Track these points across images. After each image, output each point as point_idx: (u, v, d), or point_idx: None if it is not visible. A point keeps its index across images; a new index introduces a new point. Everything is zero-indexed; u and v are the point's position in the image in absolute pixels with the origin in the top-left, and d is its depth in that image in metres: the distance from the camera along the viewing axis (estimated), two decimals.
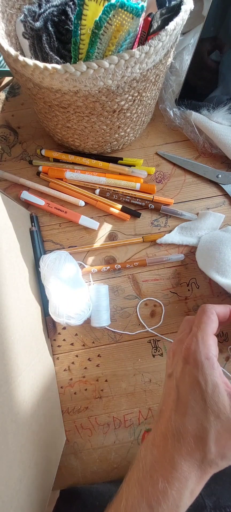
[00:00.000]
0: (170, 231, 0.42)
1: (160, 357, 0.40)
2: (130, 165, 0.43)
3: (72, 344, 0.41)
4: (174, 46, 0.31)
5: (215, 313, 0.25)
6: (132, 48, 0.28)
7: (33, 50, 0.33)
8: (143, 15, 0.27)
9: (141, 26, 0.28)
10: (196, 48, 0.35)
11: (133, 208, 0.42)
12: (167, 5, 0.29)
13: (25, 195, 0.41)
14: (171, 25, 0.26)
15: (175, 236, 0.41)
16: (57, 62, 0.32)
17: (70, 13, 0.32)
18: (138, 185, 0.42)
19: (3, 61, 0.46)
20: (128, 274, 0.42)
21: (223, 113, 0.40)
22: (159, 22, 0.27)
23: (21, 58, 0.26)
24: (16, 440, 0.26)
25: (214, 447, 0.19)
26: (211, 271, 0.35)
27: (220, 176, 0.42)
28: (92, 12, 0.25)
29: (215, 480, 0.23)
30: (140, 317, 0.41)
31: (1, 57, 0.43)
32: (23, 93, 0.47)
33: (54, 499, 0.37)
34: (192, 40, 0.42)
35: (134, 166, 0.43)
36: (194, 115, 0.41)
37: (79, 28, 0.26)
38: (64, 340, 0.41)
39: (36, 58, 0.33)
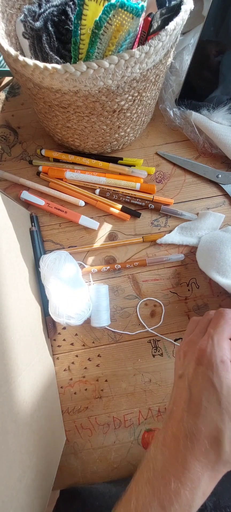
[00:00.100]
0: (170, 231, 0.42)
1: (160, 357, 0.40)
2: (130, 165, 0.43)
3: (72, 344, 0.41)
4: (174, 46, 0.31)
5: None
6: (132, 48, 0.28)
7: (33, 50, 0.33)
8: (143, 15, 0.27)
9: (141, 26, 0.28)
10: (196, 48, 0.35)
11: (133, 208, 0.42)
12: (167, 5, 0.29)
13: (25, 195, 0.41)
14: (171, 25, 0.26)
15: (175, 236, 0.41)
16: (57, 62, 0.32)
17: (70, 13, 0.32)
18: (138, 185, 0.42)
19: (3, 61, 0.46)
20: (128, 274, 0.42)
21: (223, 113, 0.40)
22: (159, 22, 0.27)
23: (21, 58, 0.26)
24: (16, 440, 0.26)
25: (229, 447, 0.20)
26: (211, 272, 0.34)
27: (220, 176, 0.42)
28: (92, 12, 0.25)
29: None
30: (140, 317, 0.41)
31: (1, 57, 0.43)
32: (23, 93, 0.47)
33: (54, 499, 0.37)
34: (192, 40, 0.42)
35: (134, 166, 0.43)
36: (194, 115, 0.41)
37: (79, 28, 0.26)
38: (64, 340, 0.41)
39: (36, 58, 0.33)
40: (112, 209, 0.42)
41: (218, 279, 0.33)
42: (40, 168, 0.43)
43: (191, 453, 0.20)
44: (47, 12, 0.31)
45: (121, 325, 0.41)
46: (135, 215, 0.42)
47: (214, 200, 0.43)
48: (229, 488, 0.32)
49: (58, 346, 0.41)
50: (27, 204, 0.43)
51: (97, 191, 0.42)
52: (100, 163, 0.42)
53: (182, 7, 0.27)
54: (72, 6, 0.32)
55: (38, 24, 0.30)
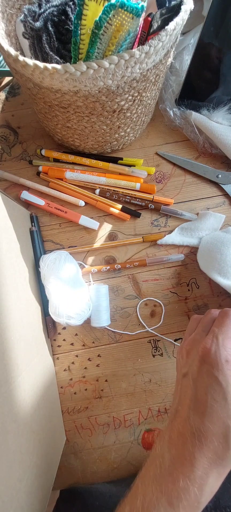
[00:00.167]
0: (170, 231, 0.42)
1: (160, 357, 0.40)
2: (130, 165, 0.43)
3: (72, 344, 0.41)
4: (174, 46, 0.31)
5: None
6: (132, 48, 0.28)
7: (33, 50, 0.33)
8: (143, 15, 0.27)
9: (141, 26, 0.28)
10: (196, 48, 0.35)
11: (133, 208, 0.42)
12: (167, 5, 0.29)
13: (25, 195, 0.41)
14: (171, 25, 0.26)
15: (175, 237, 0.41)
16: (57, 62, 0.32)
17: (70, 13, 0.32)
18: (138, 185, 0.42)
19: (3, 61, 0.46)
20: (128, 274, 0.42)
21: (223, 113, 0.40)
22: (159, 22, 0.27)
23: (21, 58, 0.26)
24: (16, 440, 0.26)
25: None
26: (212, 273, 0.34)
27: (220, 176, 0.42)
28: (92, 12, 0.25)
29: None
30: (140, 317, 0.41)
31: (1, 57, 0.43)
32: (23, 93, 0.47)
33: (54, 499, 0.37)
34: (192, 40, 0.42)
35: (134, 166, 0.43)
36: (194, 115, 0.41)
37: (79, 28, 0.26)
38: (64, 340, 0.41)
39: (36, 58, 0.33)
40: (112, 209, 0.42)
41: (219, 280, 0.33)
42: (40, 168, 0.43)
43: (199, 450, 0.20)
44: (47, 12, 0.31)
45: (121, 325, 0.41)
46: (135, 215, 0.42)
47: (214, 200, 0.43)
48: (229, 488, 0.32)
49: (58, 346, 0.41)
50: (27, 204, 0.43)
51: (97, 191, 0.42)
52: (100, 163, 0.42)
53: (182, 7, 0.27)
54: (72, 6, 0.32)
55: (38, 24, 0.30)
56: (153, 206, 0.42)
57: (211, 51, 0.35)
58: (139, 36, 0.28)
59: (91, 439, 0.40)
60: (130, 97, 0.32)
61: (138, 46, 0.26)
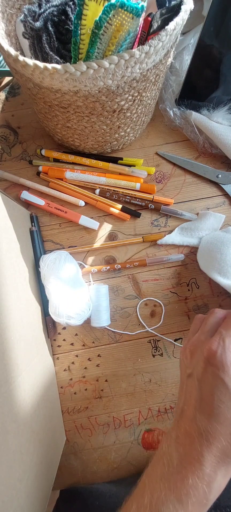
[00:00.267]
0: (170, 231, 0.42)
1: (160, 357, 0.40)
2: (130, 165, 0.43)
3: (72, 344, 0.41)
4: (174, 46, 0.31)
5: None
6: (132, 48, 0.28)
7: (33, 50, 0.33)
8: (143, 15, 0.27)
9: (141, 26, 0.28)
10: (196, 48, 0.35)
11: (133, 208, 0.42)
12: (167, 5, 0.29)
13: (25, 195, 0.41)
14: (171, 25, 0.26)
15: (175, 237, 0.41)
16: (57, 62, 0.32)
17: (70, 13, 0.32)
18: (138, 185, 0.42)
19: (3, 61, 0.46)
20: (128, 274, 0.42)
21: (223, 113, 0.40)
22: (159, 22, 0.27)
23: (21, 58, 0.26)
24: (16, 440, 0.26)
25: None
26: (212, 273, 0.34)
27: (220, 176, 0.42)
28: (92, 12, 0.25)
29: None
30: (140, 317, 0.41)
31: (1, 57, 0.43)
32: (23, 93, 0.47)
33: (54, 499, 0.37)
34: (192, 40, 0.42)
35: (134, 166, 0.43)
36: (194, 115, 0.41)
37: (79, 28, 0.26)
38: (64, 340, 0.41)
39: (36, 58, 0.33)
40: (112, 209, 0.42)
41: (219, 280, 0.33)
42: (40, 168, 0.43)
43: (207, 449, 0.21)
44: (47, 12, 0.31)
45: (121, 325, 0.41)
46: (135, 215, 0.42)
47: (214, 200, 0.43)
48: (229, 488, 0.32)
49: (58, 346, 0.41)
50: (27, 204, 0.43)
51: (97, 191, 0.42)
52: (100, 163, 0.42)
53: (182, 7, 0.27)
54: (72, 6, 0.32)
55: (38, 24, 0.30)
56: (153, 206, 0.42)
57: (211, 51, 0.35)
58: (139, 36, 0.28)
59: (91, 439, 0.40)
60: (130, 97, 0.32)
61: (138, 46, 0.26)
